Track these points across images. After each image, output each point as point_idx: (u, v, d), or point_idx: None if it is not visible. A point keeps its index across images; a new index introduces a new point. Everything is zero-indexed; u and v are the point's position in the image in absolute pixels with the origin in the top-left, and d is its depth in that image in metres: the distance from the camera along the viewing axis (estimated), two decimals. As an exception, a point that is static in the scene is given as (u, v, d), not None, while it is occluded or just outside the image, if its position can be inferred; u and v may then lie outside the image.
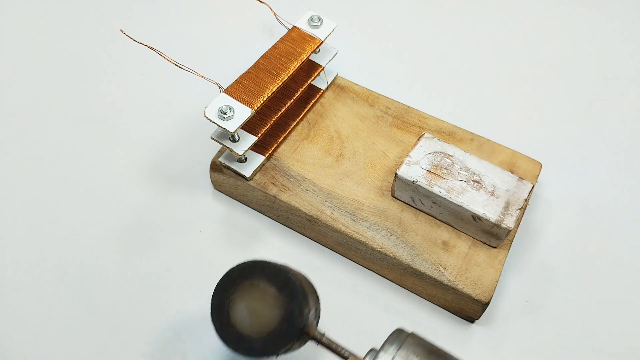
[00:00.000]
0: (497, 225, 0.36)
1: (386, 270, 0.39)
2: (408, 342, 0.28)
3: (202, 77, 0.40)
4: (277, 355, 0.28)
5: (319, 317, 0.31)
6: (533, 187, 0.38)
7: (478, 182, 0.38)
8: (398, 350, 0.27)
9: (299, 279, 0.29)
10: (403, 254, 0.37)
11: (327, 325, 0.38)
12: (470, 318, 0.38)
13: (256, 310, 0.29)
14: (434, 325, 0.38)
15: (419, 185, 0.37)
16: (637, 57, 0.54)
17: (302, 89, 0.43)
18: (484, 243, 0.38)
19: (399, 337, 0.28)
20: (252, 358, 0.28)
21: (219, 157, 0.42)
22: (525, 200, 0.37)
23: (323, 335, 0.29)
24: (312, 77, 0.44)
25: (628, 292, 0.40)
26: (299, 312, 0.28)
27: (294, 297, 0.28)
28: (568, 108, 0.50)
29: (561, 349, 0.38)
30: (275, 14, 0.47)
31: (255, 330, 0.28)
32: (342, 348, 0.29)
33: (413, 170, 0.38)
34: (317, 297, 0.30)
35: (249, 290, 0.29)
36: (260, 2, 0.47)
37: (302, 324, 0.28)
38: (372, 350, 0.28)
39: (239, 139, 0.39)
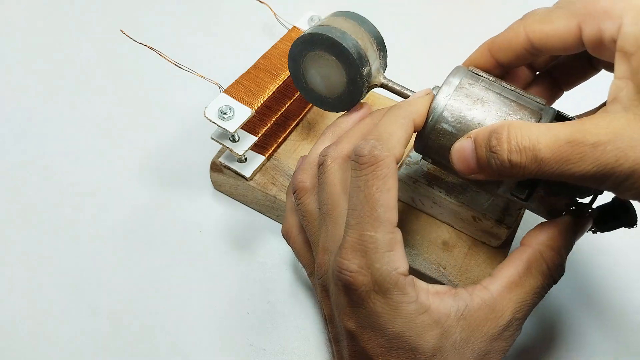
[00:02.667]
0: (497, 225, 0.36)
1: (386, 270, 0.39)
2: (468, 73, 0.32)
3: (202, 77, 0.40)
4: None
5: (385, 64, 0.35)
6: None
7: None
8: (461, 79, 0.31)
9: (354, 44, 0.33)
10: (403, 254, 0.37)
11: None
12: (470, 318, 0.38)
13: (325, 75, 0.35)
14: (434, 325, 0.38)
15: (419, 185, 0.37)
16: None
17: (302, 89, 0.43)
18: (484, 243, 0.38)
19: (459, 70, 0.32)
20: (333, 111, 0.37)
21: (219, 157, 0.42)
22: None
23: (390, 81, 0.35)
24: (312, 77, 0.44)
25: (628, 291, 0.40)
26: (359, 75, 0.33)
27: (350, 64, 0.33)
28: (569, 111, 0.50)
29: (561, 349, 0.38)
30: (275, 14, 0.47)
31: (330, 92, 0.36)
32: (407, 89, 0.34)
33: (413, 170, 0.38)
34: (382, 47, 0.35)
35: (313, 58, 0.34)
36: (260, 2, 0.47)
37: (365, 82, 0.34)
38: (435, 87, 0.32)
39: (239, 139, 0.39)
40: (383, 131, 0.28)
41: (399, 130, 0.28)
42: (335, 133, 0.34)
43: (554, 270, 0.28)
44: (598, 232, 0.31)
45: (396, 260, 0.26)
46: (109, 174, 0.45)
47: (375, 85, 0.35)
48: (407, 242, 0.38)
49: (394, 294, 0.26)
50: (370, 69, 0.34)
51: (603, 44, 0.26)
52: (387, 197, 0.27)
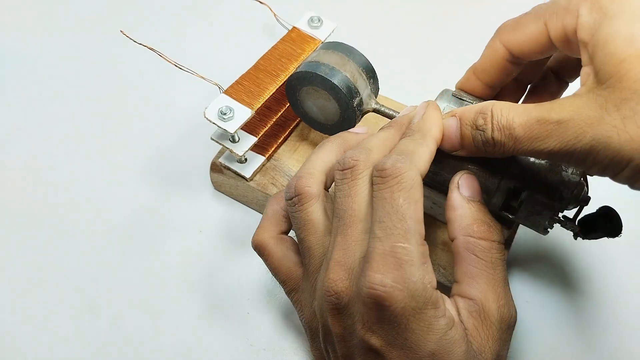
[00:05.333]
0: (496, 226, 0.36)
1: (386, 270, 0.39)
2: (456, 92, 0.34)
3: (202, 77, 0.40)
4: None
5: (377, 89, 0.38)
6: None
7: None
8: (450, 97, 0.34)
9: (342, 79, 0.35)
10: (403, 254, 0.37)
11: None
12: (470, 318, 0.38)
13: (320, 105, 0.38)
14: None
15: None
16: None
17: (302, 90, 0.43)
18: (484, 243, 0.38)
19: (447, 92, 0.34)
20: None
21: (219, 157, 0.42)
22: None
23: (382, 106, 0.37)
24: (312, 78, 0.44)
25: (629, 292, 0.40)
26: (350, 106, 0.36)
27: (341, 97, 0.36)
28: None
29: (561, 350, 0.38)
30: (275, 15, 0.47)
31: (326, 120, 0.39)
32: (397, 112, 0.36)
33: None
34: (371, 74, 0.37)
35: (308, 92, 0.38)
36: (260, 2, 0.47)
37: (358, 110, 0.36)
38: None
39: (239, 139, 0.39)
40: (404, 148, 0.28)
41: (420, 148, 0.28)
42: (343, 146, 0.32)
43: (492, 234, 0.29)
44: (586, 239, 0.32)
45: (430, 273, 0.26)
46: (109, 174, 0.45)
47: (368, 111, 0.37)
48: (407, 243, 0.38)
49: (428, 309, 0.25)
50: (361, 98, 0.36)
51: (569, 39, 0.27)
52: (414, 208, 0.26)
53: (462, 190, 0.29)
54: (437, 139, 0.29)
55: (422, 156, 0.27)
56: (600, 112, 0.23)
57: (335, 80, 0.35)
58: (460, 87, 0.34)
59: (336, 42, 0.38)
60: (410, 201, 0.26)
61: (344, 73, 0.36)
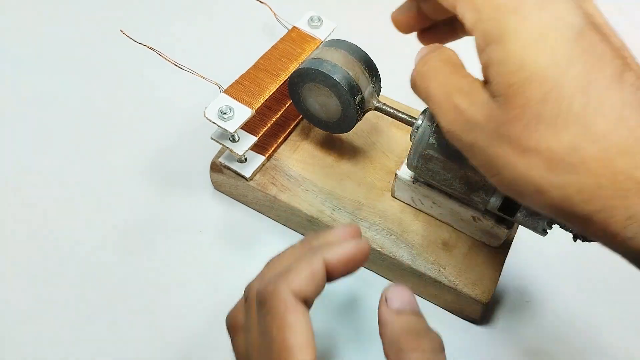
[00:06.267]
0: (497, 225, 0.36)
1: (386, 270, 0.39)
2: None
3: (202, 77, 0.40)
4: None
5: (379, 87, 0.38)
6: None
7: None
8: None
9: (345, 76, 0.35)
10: (403, 254, 0.37)
11: (327, 325, 0.38)
12: (470, 318, 0.38)
13: (322, 103, 0.38)
14: (434, 325, 0.38)
15: (419, 185, 0.37)
16: None
17: (302, 89, 0.43)
18: (484, 243, 0.38)
19: None
20: (335, 133, 0.40)
21: (219, 157, 0.42)
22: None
23: (383, 104, 0.37)
24: (312, 77, 0.44)
25: (629, 292, 0.40)
26: (352, 103, 0.36)
27: (342, 94, 0.36)
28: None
29: (561, 350, 0.38)
30: (275, 15, 0.47)
31: (328, 117, 0.39)
32: (401, 112, 0.36)
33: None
34: (373, 72, 0.37)
35: (310, 89, 0.37)
36: (260, 2, 0.47)
37: (360, 107, 0.36)
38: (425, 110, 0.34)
39: (239, 139, 0.39)
40: (285, 267, 0.26)
41: (300, 264, 0.26)
42: (275, 266, 0.29)
43: (422, 342, 0.27)
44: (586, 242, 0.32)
45: None
46: (109, 174, 0.45)
47: (369, 109, 0.37)
48: (407, 242, 0.38)
49: None
50: (363, 95, 0.36)
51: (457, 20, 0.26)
52: (289, 336, 0.23)
53: (391, 304, 0.27)
54: (331, 259, 0.26)
55: (300, 273, 0.25)
56: (485, 119, 0.23)
57: (337, 77, 0.35)
58: (397, 15, 0.33)
59: (339, 39, 0.38)
60: (283, 328, 0.24)
61: (346, 70, 0.35)
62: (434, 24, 0.32)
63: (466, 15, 0.24)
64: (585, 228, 0.23)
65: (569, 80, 0.21)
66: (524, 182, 0.23)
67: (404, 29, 0.33)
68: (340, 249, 0.26)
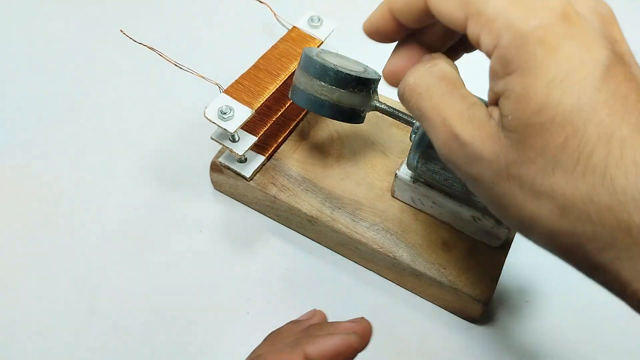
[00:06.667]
0: (497, 225, 0.36)
1: (386, 270, 0.39)
2: None
3: (202, 77, 0.40)
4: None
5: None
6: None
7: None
8: None
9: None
10: (403, 254, 0.37)
11: (327, 325, 0.38)
12: (470, 318, 0.38)
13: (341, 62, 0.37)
14: (434, 325, 0.38)
15: (419, 185, 0.37)
16: None
17: (302, 89, 0.43)
18: (484, 243, 0.38)
19: None
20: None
21: (219, 157, 0.42)
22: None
23: (383, 104, 0.37)
24: (312, 77, 0.44)
25: (628, 292, 0.40)
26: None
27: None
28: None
29: (561, 350, 0.38)
30: (275, 14, 0.47)
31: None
32: (401, 112, 0.36)
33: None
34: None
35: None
36: (260, 2, 0.47)
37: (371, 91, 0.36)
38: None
39: (239, 139, 0.39)
40: (278, 349, 0.27)
41: (285, 357, 0.26)
42: (275, 341, 0.30)
43: None
44: None
45: None
46: (109, 174, 0.45)
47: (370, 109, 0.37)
48: (407, 242, 0.38)
49: None
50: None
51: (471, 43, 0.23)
52: None
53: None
54: (311, 353, 0.26)
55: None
56: (493, 155, 0.22)
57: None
58: (371, 25, 0.28)
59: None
60: None
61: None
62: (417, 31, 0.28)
63: (482, 37, 0.22)
64: (595, 275, 0.23)
65: (593, 128, 0.20)
66: (533, 224, 0.22)
67: (382, 39, 0.29)
68: (324, 343, 0.26)
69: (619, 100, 0.20)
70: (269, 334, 0.30)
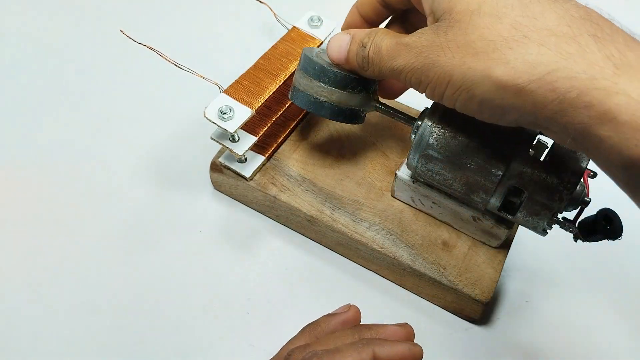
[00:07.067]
0: (497, 225, 0.36)
1: (386, 270, 0.39)
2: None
3: (202, 77, 0.40)
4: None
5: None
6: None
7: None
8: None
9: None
10: (403, 254, 0.37)
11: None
12: (470, 318, 0.38)
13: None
14: (434, 325, 0.38)
15: (419, 185, 0.37)
16: None
17: (302, 89, 0.43)
18: (484, 243, 0.38)
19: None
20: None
21: (218, 157, 0.42)
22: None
23: (383, 104, 0.37)
24: (312, 77, 0.44)
25: (628, 292, 0.40)
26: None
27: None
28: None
29: (561, 350, 0.38)
30: (275, 14, 0.47)
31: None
32: (401, 112, 0.37)
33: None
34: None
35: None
36: (260, 2, 0.47)
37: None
38: (425, 109, 0.35)
39: (238, 139, 0.39)
40: (338, 348, 0.28)
41: (354, 353, 0.27)
42: (313, 333, 0.32)
43: None
44: (586, 242, 0.32)
45: None
46: (109, 174, 0.45)
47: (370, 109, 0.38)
48: (407, 242, 0.38)
49: None
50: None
51: None
52: None
53: None
54: (381, 355, 0.27)
55: (346, 357, 0.27)
56: (433, 38, 0.27)
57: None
58: (346, 25, 0.37)
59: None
60: None
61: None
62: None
63: None
64: (538, 101, 0.24)
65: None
66: (492, 67, 0.25)
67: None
68: (393, 348, 0.27)
69: None
70: (306, 326, 0.32)
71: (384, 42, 0.30)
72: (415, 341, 0.30)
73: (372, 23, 0.37)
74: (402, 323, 0.31)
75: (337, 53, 0.33)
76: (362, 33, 0.32)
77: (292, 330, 0.37)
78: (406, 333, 0.30)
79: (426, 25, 0.29)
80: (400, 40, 0.29)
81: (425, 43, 0.27)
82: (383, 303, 0.39)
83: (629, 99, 0.21)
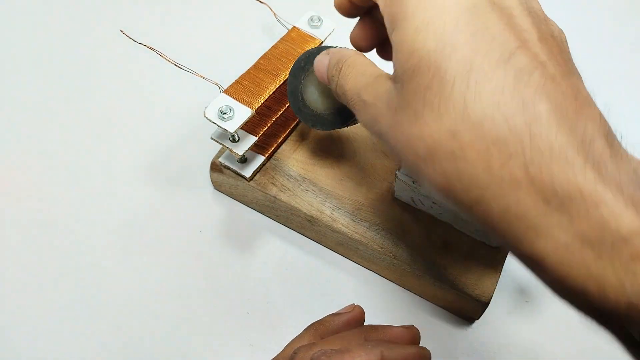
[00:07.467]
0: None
1: (386, 270, 0.39)
2: None
3: (202, 77, 0.40)
4: (347, 126, 0.36)
5: None
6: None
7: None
8: None
9: None
10: (403, 254, 0.37)
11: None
12: (471, 318, 0.38)
13: (323, 90, 0.35)
14: (434, 325, 0.38)
15: (419, 185, 0.37)
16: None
17: (302, 89, 0.43)
18: (484, 243, 0.38)
19: None
20: (326, 129, 0.36)
21: (219, 157, 0.42)
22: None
23: None
24: (312, 77, 0.44)
25: None
26: None
27: None
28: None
29: (561, 350, 0.38)
30: (275, 14, 0.47)
31: (326, 108, 0.36)
32: None
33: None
34: None
35: (313, 73, 0.35)
36: (260, 2, 0.47)
37: None
38: None
39: (238, 139, 0.39)
40: (346, 348, 0.28)
41: (363, 354, 0.27)
42: (318, 332, 0.32)
43: None
44: None
45: None
46: (109, 174, 0.45)
47: None
48: (407, 242, 0.38)
49: None
50: None
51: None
52: None
53: None
54: (389, 358, 0.27)
55: (355, 358, 0.27)
56: (387, 108, 0.24)
57: None
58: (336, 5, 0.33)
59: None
60: None
61: None
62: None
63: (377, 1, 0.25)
64: (472, 217, 0.22)
65: (453, 65, 0.20)
66: (415, 170, 0.23)
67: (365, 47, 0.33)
68: (402, 351, 0.27)
69: (484, 38, 0.21)
70: (310, 325, 0.32)
71: (347, 83, 0.28)
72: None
73: (359, 7, 0.32)
74: (408, 325, 0.31)
75: (320, 75, 0.31)
76: (335, 58, 0.29)
77: (292, 330, 0.37)
78: (412, 335, 0.30)
79: None
80: (359, 90, 0.27)
81: (382, 110, 0.25)
82: (383, 303, 0.39)
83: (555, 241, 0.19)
